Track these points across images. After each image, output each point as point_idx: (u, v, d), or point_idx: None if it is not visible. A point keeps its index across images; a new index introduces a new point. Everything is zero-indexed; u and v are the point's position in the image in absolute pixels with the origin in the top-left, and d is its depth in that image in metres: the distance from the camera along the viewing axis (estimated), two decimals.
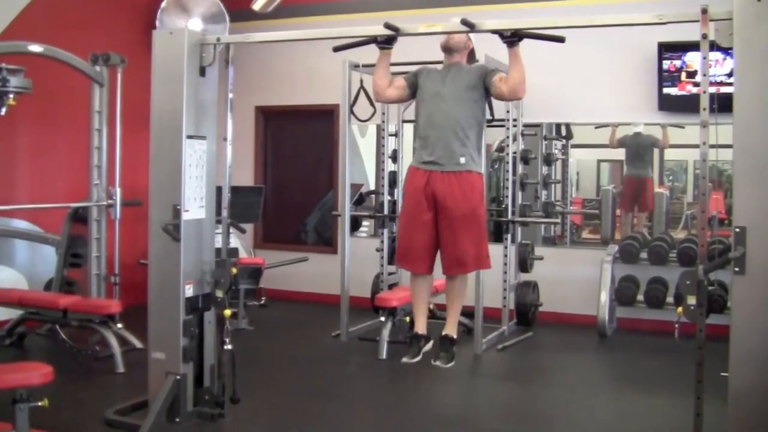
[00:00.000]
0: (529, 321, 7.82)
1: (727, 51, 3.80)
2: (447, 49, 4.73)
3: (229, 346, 4.79)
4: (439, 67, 4.87)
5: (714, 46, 3.76)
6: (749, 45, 3.60)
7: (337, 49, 4.94)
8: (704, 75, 3.76)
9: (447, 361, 4.66)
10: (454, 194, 4.52)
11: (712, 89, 3.77)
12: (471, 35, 4.72)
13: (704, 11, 3.72)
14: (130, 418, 4.84)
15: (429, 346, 4.78)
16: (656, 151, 8.50)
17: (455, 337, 4.74)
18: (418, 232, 4.60)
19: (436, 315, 6.52)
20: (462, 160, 4.54)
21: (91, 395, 5.57)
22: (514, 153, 7.67)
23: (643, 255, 7.74)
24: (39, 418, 4.17)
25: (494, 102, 4.95)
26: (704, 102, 3.72)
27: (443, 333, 4.76)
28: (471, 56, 4.91)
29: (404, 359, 4.69)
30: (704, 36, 3.72)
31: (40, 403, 4.08)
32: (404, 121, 8.25)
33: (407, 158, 8.42)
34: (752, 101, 3.60)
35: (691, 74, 7.54)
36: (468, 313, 6.85)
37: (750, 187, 3.60)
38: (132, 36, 8.29)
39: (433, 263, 4.72)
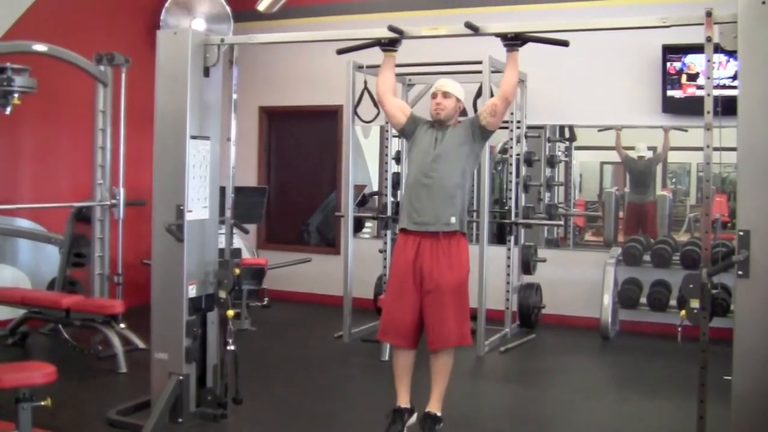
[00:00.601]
0: (531, 323, 7.81)
1: (730, 54, 3.80)
2: (438, 121, 4.61)
3: (231, 347, 4.80)
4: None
5: (718, 49, 3.76)
6: (754, 48, 3.60)
7: (340, 52, 4.94)
8: (708, 78, 3.76)
9: None
10: (441, 267, 4.46)
11: (716, 92, 3.77)
12: (460, 95, 4.62)
13: (708, 14, 3.72)
14: (133, 418, 4.85)
15: (413, 419, 4.71)
16: (659, 146, 8.48)
17: (439, 414, 4.65)
18: (404, 310, 4.54)
19: None
20: (452, 220, 4.48)
21: (93, 395, 5.58)
22: (518, 155, 7.66)
23: (646, 258, 7.72)
24: (42, 417, 4.17)
25: None
26: (708, 105, 3.72)
27: (426, 410, 4.66)
28: (462, 113, 4.84)
29: None
30: (708, 39, 3.72)
31: (43, 403, 4.08)
32: None
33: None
34: (757, 104, 3.60)
35: (692, 77, 7.54)
36: (471, 315, 6.83)
37: (754, 191, 3.60)
38: (136, 36, 8.30)
39: (417, 339, 4.65)
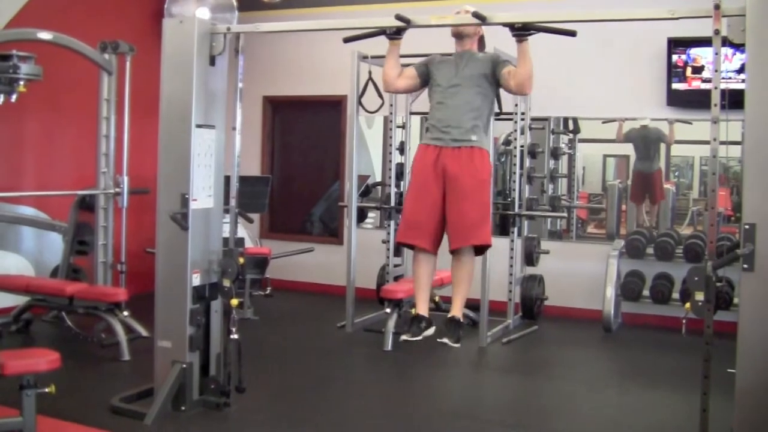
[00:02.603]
0: (534, 315, 7.82)
1: (736, 47, 3.79)
2: (458, 35, 4.69)
3: (235, 336, 4.81)
4: (450, 54, 4.83)
5: (726, 42, 3.75)
6: (762, 41, 3.59)
7: (347, 40, 4.93)
8: (716, 71, 3.75)
9: (454, 340, 4.57)
10: (464, 167, 4.49)
11: (722, 85, 3.76)
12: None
13: (717, 7, 3.71)
14: (136, 405, 4.87)
15: (430, 331, 4.67)
16: (663, 145, 8.45)
17: (461, 319, 4.68)
18: (426, 206, 4.55)
19: (441, 307, 6.51)
20: (474, 137, 4.52)
21: (96, 382, 5.59)
22: (522, 146, 7.66)
23: (649, 250, 7.73)
24: (45, 404, 4.19)
25: (502, 95, 4.93)
26: (715, 98, 3.71)
27: (449, 315, 4.67)
28: (481, 43, 4.89)
29: (405, 336, 4.60)
30: (716, 32, 3.71)
31: (47, 390, 4.10)
32: (412, 113, 8.25)
33: (414, 150, 8.43)
34: (764, 98, 3.59)
35: (697, 69, 7.53)
36: (473, 306, 6.86)
37: (760, 184, 3.60)
38: (141, 24, 8.29)
39: (438, 242, 4.64)
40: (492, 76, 4.59)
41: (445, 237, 4.66)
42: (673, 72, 7.60)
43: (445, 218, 4.57)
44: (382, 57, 4.85)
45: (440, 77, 4.68)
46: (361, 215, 8.60)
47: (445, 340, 4.56)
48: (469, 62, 4.62)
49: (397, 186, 8.17)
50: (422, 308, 4.70)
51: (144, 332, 6.34)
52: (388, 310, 6.75)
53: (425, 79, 4.78)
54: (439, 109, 4.61)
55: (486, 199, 4.65)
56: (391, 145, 8.21)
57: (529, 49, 4.43)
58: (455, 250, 4.60)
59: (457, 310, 4.66)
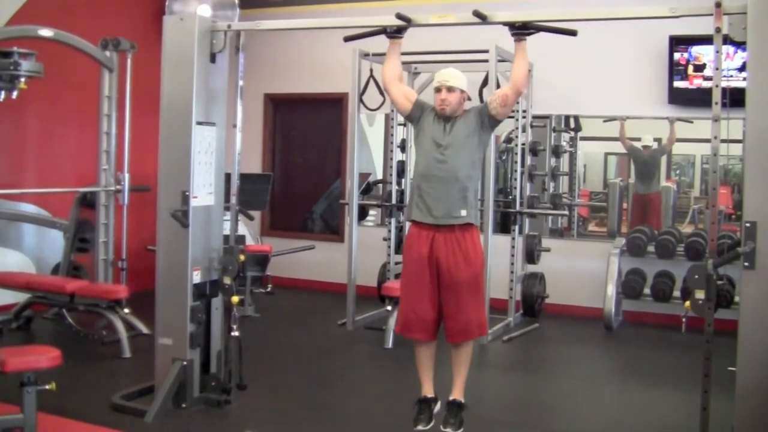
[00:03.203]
0: (535, 312, 7.82)
1: (738, 45, 3.78)
2: (445, 117, 4.54)
3: (236, 333, 4.81)
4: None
5: (727, 40, 3.75)
6: (763, 39, 3.59)
7: (348, 39, 4.92)
8: (717, 69, 3.75)
9: (456, 427, 4.56)
10: (457, 262, 4.43)
11: (723, 83, 3.76)
12: (464, 86, 4.54)
13: (718, 5, 3.71)
14: (137, 402, 4.88)
15: (438, 406, 4.73)
16: (663, 169, 8.48)
17: (463, 401, 4.65)
18: (422, 300, 4.51)
19: None
20: (463, 213, 4.43)
21: (97, 380, 5.59)
22: (523, 144, 7.65)
23: (650, 248, 7.72)
24: (46, 401, 4.19)
25: None
26: (716, 96, 3.71)
27: (451, 398, 4.65)
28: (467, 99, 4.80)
29: (419, 427, 4.62)
30: (718, 30, 3.70)
31: (47, 387, 4.09)
32: None
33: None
34: (765, 96, 3.59)
35: (699, 68, 7.52)
36: None
37: (761, 182, 3.60)
38: (142, 21, 8.29)
39: (437, 331, 4.62)
40: (479, 127, 4.48)
41: None
42: (675, 70, 7.59)
43: (442, 309, 4.54)
44: (384, 55, 4.83)
45: (427, 132, 4.55)
46: (362, 213, 8.61)
47: (448, 430, 4.53)
48: (456, 125, 4.50)
49: (398, 184, 8.17)
50: (428, 389, 4.72)
51: (145, 329, 6.35)
52: (389, 308, 6.74)
53: (414, 115, 4.64)
54: (426, 182, 4.48)
55: (480, 290, 4.60)
56: (392, 143, 8.21)
57: (527, 49, 4.41)
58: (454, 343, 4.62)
59: (458, 393, 4.65)
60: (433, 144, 4.49)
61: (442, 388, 4.70)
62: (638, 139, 8.39)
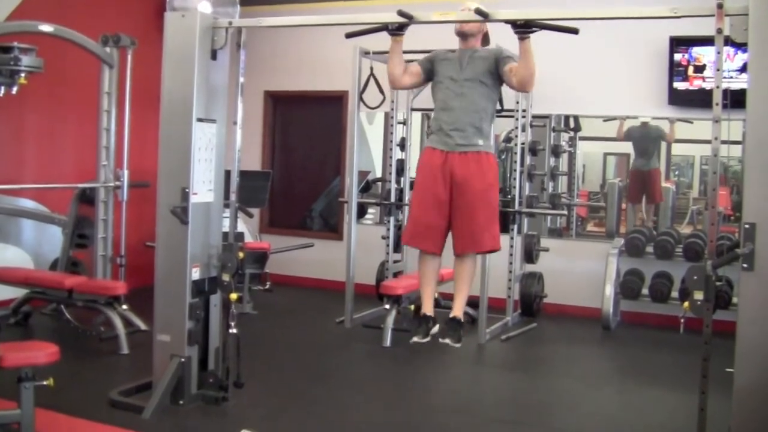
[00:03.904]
0: (533, 312, 7.82)
1: (738, 46, 3.78)
2: (462, 34, 4.69)
3: (234, 330, 4.81)
4: (454, 50, 4.82)
5: (728, 41, 3.74)
6: (765, 40, 3.59)
7: (349, 36, 4.91)
8: (718, 70, 3.74)
9: (455, 340, 4.61)
10: (471, 171, 4.49)
11: (723, 85, 3.76)
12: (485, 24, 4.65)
13: (720, 6, 3.70)
14: (134, 399, 4.88)
15: (436, 328, 4.73)
16: (663, 144, 8.46)
17: (462, 319, 4.70)
18: (433, 209, 4.55)
19: (440, 304, 6.51)
20: (480, 142, 4.53)
21: (95, 376, 5.59)
22: (523, 144, 7.65)
23: (649, 249, 7.73)
24: (44, 397, 4.19)
25: (503, 91, 4.92)
26: (717, 97, 3.71)
27: (451, 315, 4.70)
28: (485, 39, 4.88)
29: (415, 338, 4.64)
30: (719, 31, 3.70)
31: (45, 383, 4.09)
32: (413, 109, 8.24)
33: (415, 146, 8.44)
34: (766, 97, 3.58)
35: (699, 69, 7.52)
36: (473, 302, 6.84)
37: (761, 184, 3.59)
38: (143, 17, 8.28)
39: (443, 244, 4.66)
40: (495, 73, 4.60)
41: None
42: (675, 71, 7.59)
43: (451, 222, 4.57)
44: (384, 53, 4.84)
45: (444, 75, 4.68)
46: (361, 211, 8.61)
47: (447, 340, 4.60)
48: (471, 60, 4.62)
49: (398, 182, 8.17)
50: (428, 307, 4.74)
51: (143, 326, 6.35)
52: (387, 306, 6.75)
53: (429, 75, 4.79)
54: (444, 112, 4.60)
55: (494, 202, 4.65)
56: (391, 141, 8.20)
57: (531, 47, 4.42)
58: (461, 254, 4.63)
59: (458, 311, 4.69)
60: (450, 80, 4.63)
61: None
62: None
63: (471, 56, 4.63)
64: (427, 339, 4.67)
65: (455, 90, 4.59)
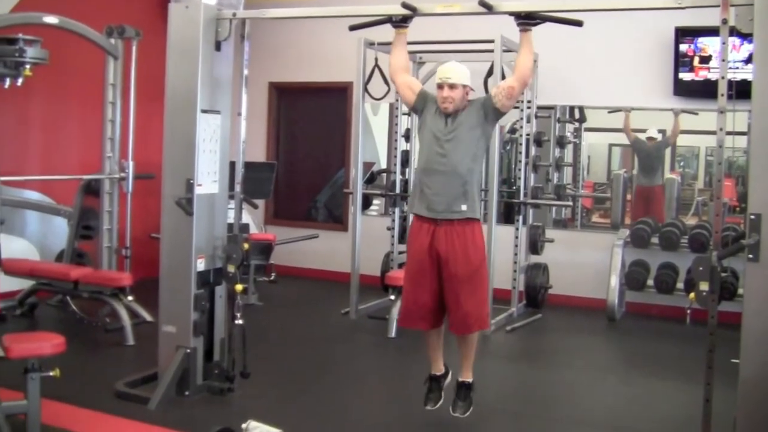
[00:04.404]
0: (538, 303, 7.82)
1: (744, 37, 3.76)
2: (447, 114, 4.48)
3: (239, 321, 4.82)
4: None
5: (733, 32, 3.73)
6: None
7: (353, 28, 4.91)
8: (723, 60, 3.73)
9: (465, 409, 4.62)
10: (457, 256, 4.42)
11: (729, 75, 3.74)
12: (467, 81, 4.49)
13: None
14: (140, 390, 4.90)
15: (449, 378, 4.79)
16: (668, 162, 8.47)
17: (472, 381, 4.68)
18: (424, 292, 4.52)
19: None
20: (464, 207, 4.42)
21: (100, 367, 5.61)
22: (528, 135, 7.64)
23: (654, 240, 7.72)
24: (50, 388, 4.20)
25: None
26: (722, 88, 3.69)
27: (460, 380, 4.68)
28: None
29: (428, 406, 4.67)
30: (724, 21, 3.68)
31: (51, 373, 4.10)
32: None
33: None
34: None
35: (705, 59, 7.50)
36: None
37: (766, 174, 3.58)
38: (147, 9, 8.28)
39: (440, 320, 4.65)
40: (483, 120, 4.45)
41: None
42: (681, 62, 7.57)
43: (444, 300, 4.55)
44: (389, 44, 4.83)
45: (429, 127, 4.52)
46: (366, 202, 8.60)
47: (458, 414, 4.60)
48: (457, 118, 4.46)
49: (402, 173, 8.16)
50: (438, 368, 4.77)
51: (148, 317, 6.37)
52: (392, 297, 6.76)
53: (419, 109, 4.64)
54: (427, 175, 4.48)
55: (482, 284, 4.57)
56: (396, 132, 8.20)
57: (532, 39, 4.40)
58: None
59: (466, 374, 4.68)
60: (434, 138, 4.47)
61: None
62: (643, 131, 8.37)
63: (457, 115, 4.46)
64: (441, 402, 4.70)
65: (439, 151, 4.43)
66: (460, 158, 4.42)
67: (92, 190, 7.06)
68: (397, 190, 8.06)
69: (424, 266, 4.50)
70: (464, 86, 4.45)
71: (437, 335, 4.72)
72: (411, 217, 4.84)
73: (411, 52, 4.84)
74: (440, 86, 4.45)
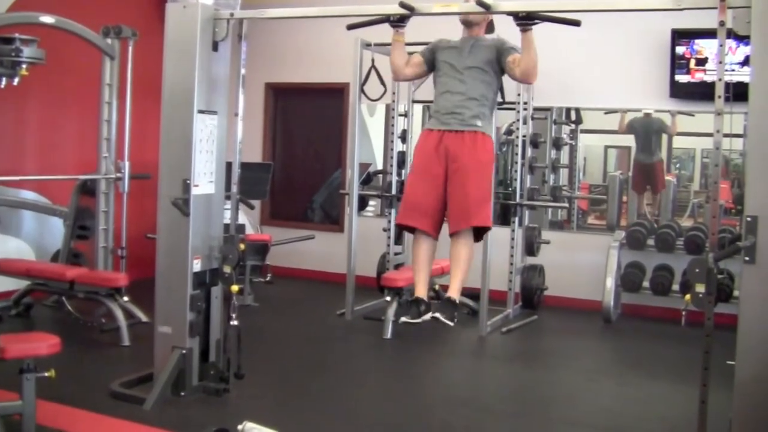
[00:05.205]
0: (534, 304, 7.83)
1: (740, 39, 3.77)
2: (466, 22, 4.69)
3: (235, 322, 4.81)
4: (456, 38, 4.81)
5: (730, 34, 3.73)
6: (767, 33, 3.57)
7: (350, 28, 4.90)
8: (720, 62, 3.73)
9: (448, 317, 4.47)
10: (467, 148, 4.48)
11: (726, 77, 3.74)
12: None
13: None
14: (136, 390, 4.88)
15: (428, 315, 4.58)
16: (664, 137, 8.44)
17: (458, 301, 4.59)
18: (427, 187, 4.53)
19: (441, 296, 6.50)
20: (478, 123, 4.51)
21: (96, 367, 5.60)
22: (524, 136, 7.64)
23: (650, 242, 7.73)
24: (45, 388, 4.19)
25: (505, 84, 4.90)
26: (719, 90, 3.69)
27: (446, 296, 4.60)
28: (489, 27, 4.86)
29: (404, 318, 4.54)
30: (722, 23, 3.68)
31: (47, 374, 4.10)
32: (414, 101, 8.24)
33: (416, 138, 8.41)
34: None
35: (701, 61, 7.51)
36: (473, 295, 6.88)
37: (763, 177, 3.58)
38: (144, 8, 8.27)
39: (439, 226, 4.61)
40: (497, 63, 4.58)
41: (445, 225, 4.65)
42: (677, 63, 7.58)
43: (446, 201, 4.55)
44: (386, 44, 4.84)
45: (445, 63, 4.67)
46: (362, 203, 8.61)
47: (438, 314, 4.46)
48: (474, 48, 4.61)
49: (399, 174, 8.16)
50: (421, 291, 4.64)
51: (144, 317, 6.35)
52: (388, 299, 6.76)
53: (431, 65, 4.79)
54: (444, 97, 4.60)
55: (487, 181, 4.63)
56: (392, 134, 8.20)
57: (534, 39, 4.41)
58: (455, 233, 4.58)
59: (454, 292, 4.58)
60: (451, 67, 4.63)
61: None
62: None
63: (473, 45, 4.63)
64: (418, 321, 4.53)
65: (456, 77, 4.58)
66: (477, 84, 4.57)
67: (88, 190, 7.04)
68: (394, 191, 8.06)
69: (432, 163, 4.54)
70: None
71: (429, 246, 4.66)
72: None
73: (408, 53, 4.86)
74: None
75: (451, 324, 4.52)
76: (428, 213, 4.55)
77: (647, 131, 8.42)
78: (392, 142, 8.20)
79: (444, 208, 4.57)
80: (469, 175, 4.48)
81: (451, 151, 4.50)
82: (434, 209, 4.56)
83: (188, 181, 4.73)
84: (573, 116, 8.81)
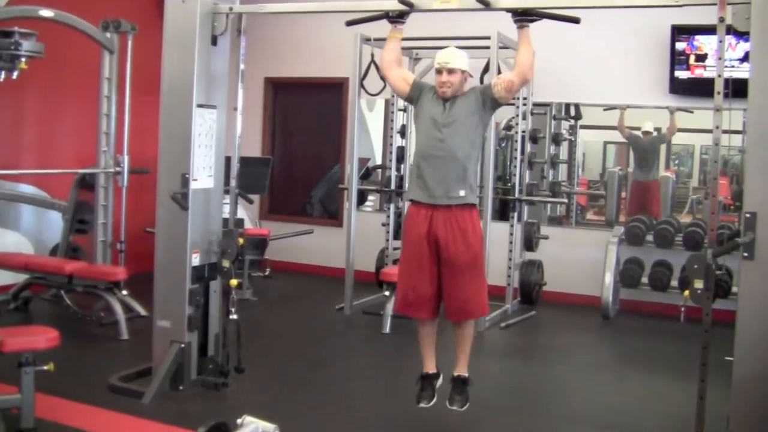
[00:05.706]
0: (532, 300, 7.83)
1: (740, 35, 3.77)
2: (445, 97, 4.48)
3: (234, 316, 4.82)
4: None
5: (730, 30, 3.73)
6: (766, 29, 3.57)
7: (350, 24, 4.90)
8: (720, 59, 3.73)
9: (462, 403, 4.56)
10: (456, 242, 4.39)
11: (725, 74, 3.74)
12: (465, 66, 4.48)
13: None
14: (134, 384, 4.90)
15: (440, 381, 4.72)
16: (662, 151, 8.46)
17: (468, 376, 4.64)
18: (421, 276, 4.48)
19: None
20: (462, 192, 4.40)
21: (94, 361, 5.60)
22: (523, 131, 7.64)
23: (649, 238, 7.73)
24: (44, 382, 4.20)
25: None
26: (719, 86, 3.69)
27: (455, 374, 4.64)
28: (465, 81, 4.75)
29: (421, 404, 4.60)
30: (721, 19, 3.68)
31: (45, 367, 4.10)
32: None
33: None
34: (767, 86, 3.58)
35: (700, 57, 7.51)
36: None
37: (762, 173, 3.59)
38: (143, 3, 8.25)
39: (437, 307, 4.59)
40: (480, 108, 4.44)
41: None
42: (677, 59, 7.58)
43: (441, 285, 4.51)
44: (385, 40, 4.82)
45: (427, 113, 4.50)
46: (361, 198, 8.60)
47: (455, 407, 4.54)
48: (455, 103, 4.44)
49: (398, 169, 8.17)
50: (430, 366, 4.70)
51: (143, 311, 6.36)
52: (386, 293, 6.76)
53: (413, 99, 4.61)
54: (425, 161, 4.45)
55: (480, 268, 4.56)
56: (392, 128, 8.20)
57: (530, 36, 4.39)
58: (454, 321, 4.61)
59: (462, 369, 4.64)
60: (432, 123, 4.44)
61: (445, 369, 4.70)
62: (638, 129, 8.37)
63: (455, 101, 4.45)
64: (435, 400, 4.62)
65: (437, 135, 4.41)
66: (458, 143, 4.40)
67: (87, 184, 7.05)
68: (393, 186, 8.07)
69: (423, 252, 4.46)
70: (463, 71, 4.43)
71: (432, 328, 4.68)
72: (407, 205, 4.80)
73: (407, 48, 4.85)
74: (439, 71, 4.42)
75: (466, 407, 4.56)
76: (424, 301, 4.52)
77: (646, 150, 8.43)
78: (391, 137, 8.19)
79: (439, 289, 4.52)
80: (462, 270, 4.43)
81: (441, 239, 4.40)
82: (430, 296, 4.52)
83: (187, 176, 4.73)
84: (572, 112, 8.81)
